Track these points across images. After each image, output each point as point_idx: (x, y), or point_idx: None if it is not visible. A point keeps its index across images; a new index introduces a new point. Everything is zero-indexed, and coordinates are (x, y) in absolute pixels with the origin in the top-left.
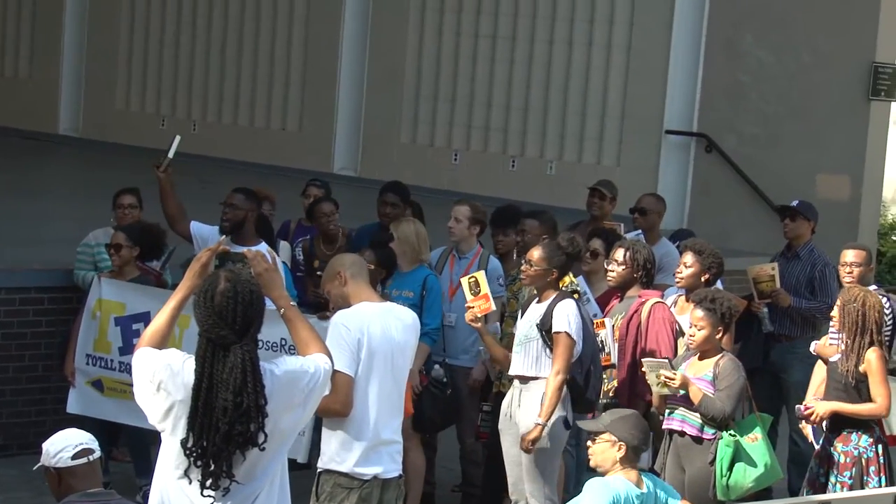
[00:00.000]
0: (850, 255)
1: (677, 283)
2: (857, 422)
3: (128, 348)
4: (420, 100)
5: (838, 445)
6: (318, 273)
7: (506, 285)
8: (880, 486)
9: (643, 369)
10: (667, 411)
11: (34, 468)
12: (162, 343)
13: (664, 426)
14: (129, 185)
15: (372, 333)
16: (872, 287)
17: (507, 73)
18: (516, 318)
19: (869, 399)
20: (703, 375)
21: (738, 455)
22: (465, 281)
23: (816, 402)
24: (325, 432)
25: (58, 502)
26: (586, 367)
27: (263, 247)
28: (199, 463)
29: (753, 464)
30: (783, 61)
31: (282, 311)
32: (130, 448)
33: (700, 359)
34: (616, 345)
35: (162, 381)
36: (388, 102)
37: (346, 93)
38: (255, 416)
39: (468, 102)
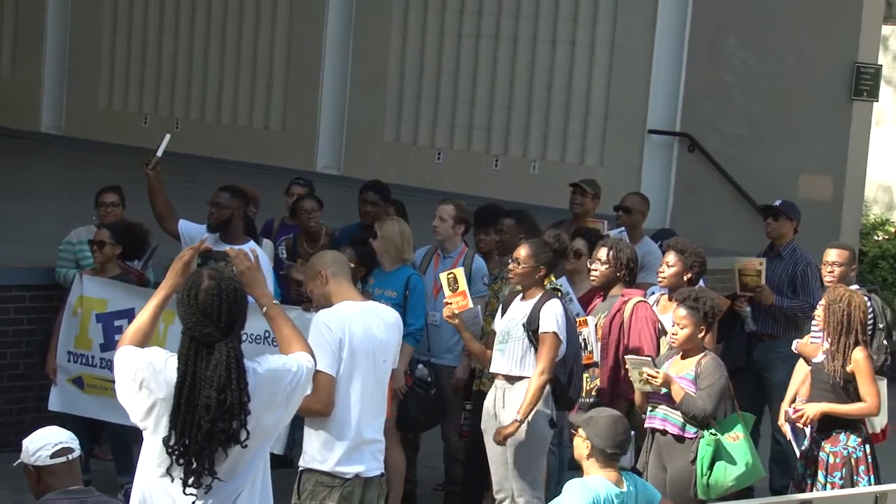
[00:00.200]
0: (832, 255)
1: (660, 282)
2: (845, 422)
3: (109, 345)
4: (403, 99)
5: (826, 446)
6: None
7: (488, 284)
8: (870, 485)
9: (626, 366)
10: (649, 409)
11: (13, 465)
12: (144, 341)
13: (646, 425)
14: (111, 183)
15: (354, 332)
16: (854, 286)
17: (490, 72)
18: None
19: (857, 399)
20: (685, 374)
21: (719, 454)
22: (443, 277)
23: (805, 404)
24: (307, 431)
25: (36, 500)
26: (569, 367)
27: (250, 245)
28: (181, 461)
29: (734, 462)
30: (766, 62)
31: (264, 309)
32: (112, 446)
33: (682, 357)
34: (599, 343)
35: (144, 380)
36: (372, 101)
37: (330, 91)
38: (238, 413)
39: (451, 101)
